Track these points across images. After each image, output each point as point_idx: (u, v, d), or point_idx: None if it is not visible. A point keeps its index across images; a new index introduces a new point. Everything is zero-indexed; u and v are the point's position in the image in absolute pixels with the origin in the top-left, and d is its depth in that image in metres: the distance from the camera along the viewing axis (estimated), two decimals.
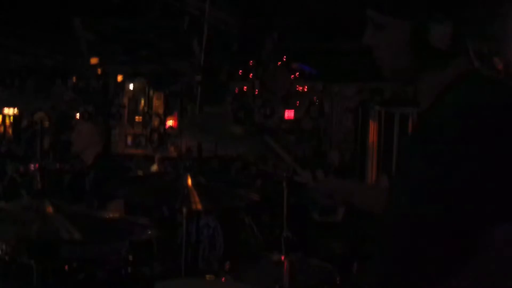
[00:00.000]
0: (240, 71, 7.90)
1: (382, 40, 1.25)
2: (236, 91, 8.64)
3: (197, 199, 2.17)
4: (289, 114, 8.74)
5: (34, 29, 6.30)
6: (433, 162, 1.10)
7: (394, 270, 1.18)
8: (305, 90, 8.50)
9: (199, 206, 2.20)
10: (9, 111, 9.37)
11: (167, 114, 9.25)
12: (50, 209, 1.61)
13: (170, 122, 9.24)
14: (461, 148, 1.07)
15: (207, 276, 2.24)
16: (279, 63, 7.93)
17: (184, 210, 2.32)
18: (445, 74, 1.22)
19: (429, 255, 1.11)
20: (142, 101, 9.44)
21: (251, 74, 8.16)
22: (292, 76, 8.16)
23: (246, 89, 8.54)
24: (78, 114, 9.02)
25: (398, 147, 1.50)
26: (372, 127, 8.29)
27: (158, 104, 9.34)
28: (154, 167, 6.98)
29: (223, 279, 2.20)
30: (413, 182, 1.16)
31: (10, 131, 9.41)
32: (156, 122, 9.26)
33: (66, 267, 2.29)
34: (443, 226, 1.08)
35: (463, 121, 1.09)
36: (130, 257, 2.49)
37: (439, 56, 1.20)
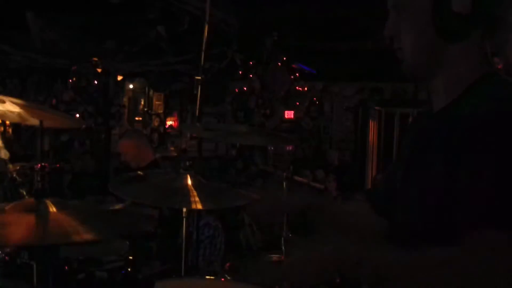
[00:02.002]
0: (240, 71, 7.90)
1: (405, 22, 1.26)
2: (236, 91, 8.64)
3: (197, 199, 2.17)
4: (289, 114, 8.74)
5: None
6: (465, 162, 1.11)
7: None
8: (305, 90, 8.50)
9: (199, 206, 2.19)
10: None
11: (167, 114, 9.26)
12: (53, 208, 1.59)
13: (170, 122, 9.25)
14: (492, 145, 1.07)
15: (207, 276, 2.24)
16: (279, 63, 7.93)
17: (184, 210, 2.32)
18: (465, 72, 1.23)
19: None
20: (142, 101, 9.45)
21: (251, 74, 8.16)
22: (292, 76, 8.16)
23: (246, 89, 8.54)
24: (78, 114, 9.03)
25: (410, 145, 1.49)
26: (372, 127, 8.29)
27: (158, 104, 9.34)
28: None
29: (223, 279, 2.20)
30: (430, 183, 1.16)
31: (10, 131, 9.41)
32: (156, 122, 9.26)
33: (66, 267, 2.29)
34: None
35: (496, 120, 1.09)
36: (130, 257, 2.49)
37: (460, 25, 1.21)
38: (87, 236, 1.45)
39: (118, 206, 2.00)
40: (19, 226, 1.48)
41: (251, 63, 7.91)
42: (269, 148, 7.97)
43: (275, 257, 2.46)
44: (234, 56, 6.96)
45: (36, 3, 5.56)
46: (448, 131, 1.17)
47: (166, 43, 6.26)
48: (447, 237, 1.12)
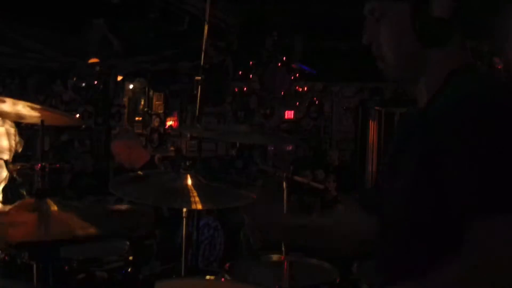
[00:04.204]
0: (240, 71, 7.91)
1: (384, 29, 1.25)
2: (236, 91, 8.64)
3: (197, 199, 2.17)
4: (289, 114, 8.74)
5: (38, 29, 6.30)
6: (430, 156, 1.11)
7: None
8: (305, 90, 8.50)
9: (199, 206, 2.20)
10: None
11: (167, 114, 9.26)
12: (55, 208, 1.61)
13: (170, 122, 9.25)
14: (457, 140, 1.08)
15: (207, 276, 2.24)
16: (279, 63, 7.93)
17: (184, 210, 2.32)
18: (444, 70, 1.23)
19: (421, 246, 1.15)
20: (142, 101, 9.45)
21: (251, 74, 8.16)
22: (292, 76, 8.17)
23: (246, 89, 8.55)
24: (78, 114, 9.03)
25: (394, 144, 1.50)
26: (372, 127, 8.30)
27: (158, 104, 9.34)
28: None
29: (223, 279, 2.20)
30: (407, 181, 1.18)
31: None
32: (156, 122, 9.26)
33: (66, 267, 2.29)
34: (438, 214, 1.10)
35: (462, 114, 1.10)
36: (130, 257, 2.49)
37: (441, 29, 1.21)
38: (91, 231, 1.48)
39: (122, 206, 2.01)
40: (23, 225, 1.50)
41: (251, 63, 7.91)
42: (269, 148, 7.98)
43: (275, 257, 2.46)
44: (227, 61, 6.98)
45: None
46: (424, 129, 1.18)
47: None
48: (431, 233, 1.13)
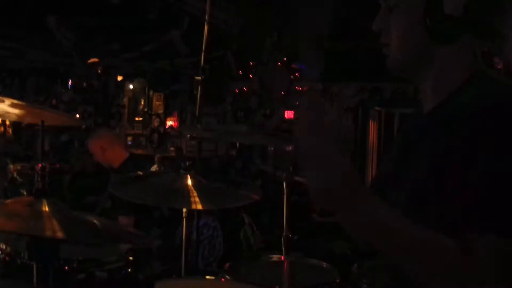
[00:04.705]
0: (240, 71, 7.91)
1: (396, 18, 1.26)
2: (236, 91, 8.65)
3: (197, 199, 2.17)
4: (289, 114, 8.74)
5: (33, 29, 6.31)
6: (444, 161, 1.11)
7: None
8: (305, 90, 8.50)
9: (199, 206, 2.20)
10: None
11: (167, 114, 9.26)
12: (46, 208, 1.64)
13: (170, 122, 9.25)
14: (475, 146, 1.07)
15: (207, 276, 2.24)
16: (279, 63, 7.93)
17: (184, 210, 2.32)
18: (454, 73, 1.23)
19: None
20: (142, 101, 9.45)
21: (251, 74, 8.17)
22: (292, 76, 8.17)
23: (246, 89, 8.55)
24: (78, 114, 9.04)
25: (400, 145, 1.49)
26: (372, 127, 8.29)
27: (158, 104, 9.35)
28: (154, 167, 6.98)
29: (223, 279, 2.20)
30: (417, 183, 1.17)
31: (10, 131, 9.41)
32: (156, 122, 9.26)
33: (66, 267, 2.29)
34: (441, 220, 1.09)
35: (480, 120, 1.09)
36: (130, 257, 2.49)
37: (451, 27, 1.20)
38: (58, 234, 1.54)
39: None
40: (17, 217, 1.56)
41: (251, 63, 7.91)
42: (269, 148, 7.98)
43: (275, 257, 2.45)
44: (229, 60, 6.98)
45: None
46: (437, 132, 1.17)
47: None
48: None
